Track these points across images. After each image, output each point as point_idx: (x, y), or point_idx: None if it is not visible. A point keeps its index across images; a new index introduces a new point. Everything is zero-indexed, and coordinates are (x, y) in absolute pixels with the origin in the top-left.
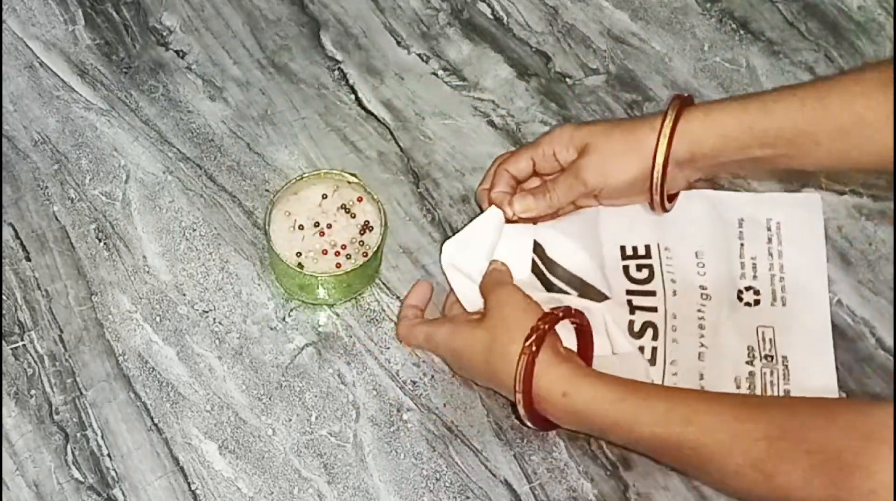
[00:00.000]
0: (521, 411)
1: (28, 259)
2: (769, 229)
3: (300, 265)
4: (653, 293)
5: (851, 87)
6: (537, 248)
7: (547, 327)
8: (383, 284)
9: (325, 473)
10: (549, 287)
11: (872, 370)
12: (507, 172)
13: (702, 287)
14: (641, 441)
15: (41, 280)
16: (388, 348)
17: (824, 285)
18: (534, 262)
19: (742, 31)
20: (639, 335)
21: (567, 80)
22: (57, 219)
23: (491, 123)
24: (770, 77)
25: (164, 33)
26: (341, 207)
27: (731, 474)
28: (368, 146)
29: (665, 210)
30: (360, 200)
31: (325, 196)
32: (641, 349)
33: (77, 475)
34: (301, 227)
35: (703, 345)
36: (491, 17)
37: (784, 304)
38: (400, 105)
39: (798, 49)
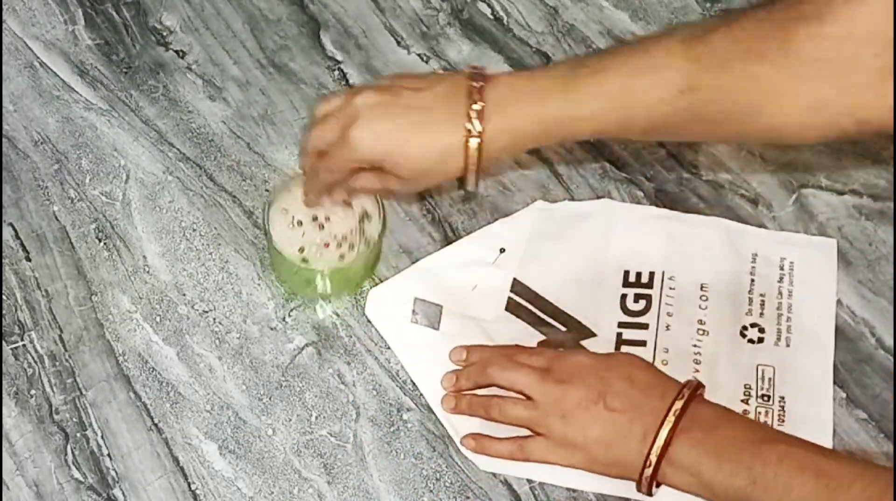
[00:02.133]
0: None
1: (28, 259)
2: (782, 268)
3: (304, 260)
4: (645, 327)
5: (650, 93)
6: (517, 285)
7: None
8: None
9: (325, 473)
10: (535, 322)
11: (872, 370)
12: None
13: (699, 322)
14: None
15: (41, 280)
16: (388, 348)
17: (831, 333)
18: (511, 300)
19: None
20: None
21: None
22: (57, 219)
23: None
24: None
25: (164, 33)
26: None
27: None
28: None
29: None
30: None
31: None
32: None
33: (77, 475)
34: (300, 223)
35: (696, 371)
36: (491, 17)
37: (788, 345)
38: None
39: None
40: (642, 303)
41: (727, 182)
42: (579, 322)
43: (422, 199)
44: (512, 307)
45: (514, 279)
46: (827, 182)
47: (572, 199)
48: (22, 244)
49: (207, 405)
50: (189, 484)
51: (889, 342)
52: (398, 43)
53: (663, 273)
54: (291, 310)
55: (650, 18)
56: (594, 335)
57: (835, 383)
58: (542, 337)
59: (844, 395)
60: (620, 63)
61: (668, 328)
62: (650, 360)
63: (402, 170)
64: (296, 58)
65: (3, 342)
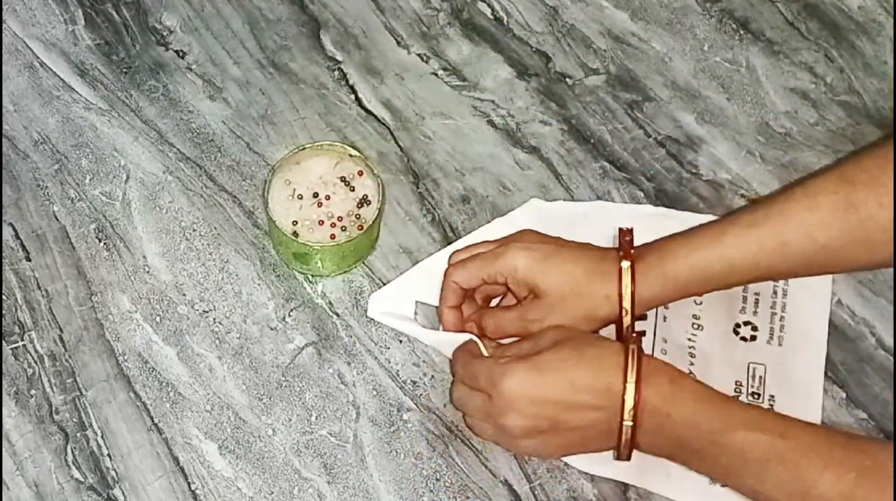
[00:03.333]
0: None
1: (28, 259)
2: None
3: (295, 234)
4: (644, 317)
5: (807, 218)
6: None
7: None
8: (383, 283)
9: (325, 473)
10: None
11: (872, 370)
12: (457, 285)
13: (694, 316)
14: (725, 449)
15: (41, 280)
16: (388, 348)
17: (824, 334)
18: None
19: (742, 31)
20: None
21: (567, 80)
22: (57, 219)
23: (491, 123)
24: (770, 77)
25: (164, 33)
26: (341, 179)
27: (812, 498)
28: (368, 146)
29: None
30: (360, 174)
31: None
32: None
33: (77, 475)
34: (300, 196)
35: (691, 373)
36: (491, 17)
37: (780, 344)
38: (400, 105)
39: (798, 49)
40: None
41: (727, 182)
42: None
43: (422, 199)
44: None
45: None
46: None
47: (572, 199)
48: (22, 244)
49: (207, 405)
50: (189, 484)
51: (889, 342)
52: (398, 43)
53: None
54: (291, 310)
55: (650, 18)
56: None
57: (835, 383)
58: None
59: (844, 395)
60: (776, 198)
61: (664, 319)
62: (650, 351)
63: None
64: (296, 58)
65: (3, 342)
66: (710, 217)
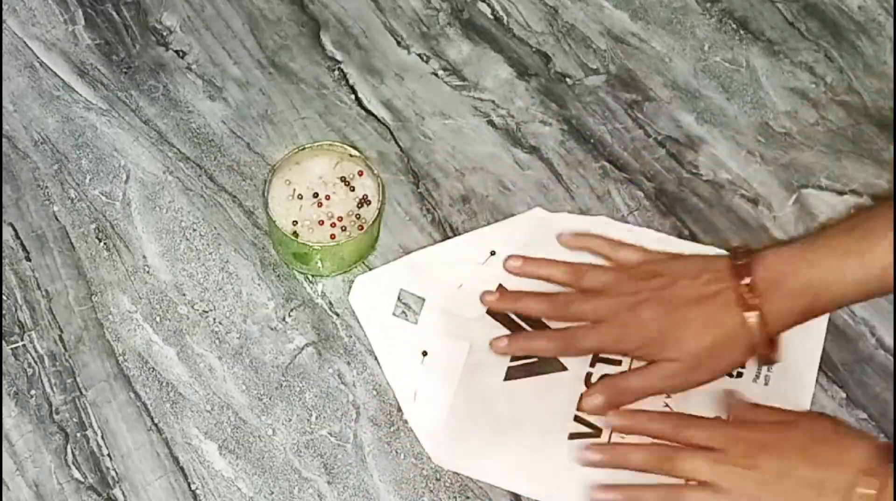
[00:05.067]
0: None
1: (28, 259)
2: None
3: (295, 234)
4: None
5: None
6: (500, 290)
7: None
8: None
9: (325, 473)
10: (514, 329)
11: (872, 370)
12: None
13: None
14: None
15: (41, 280)
16: None
17: (812, 376)
18: None
19: (742, 31)
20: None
21: (567, 80)
22: (57, 219)
23: (491, 123)
24: (770, 77)
25: (164, 33)
26: (341, 179)
27: None
28: (368, 146)
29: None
30: (360, 174)
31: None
32: None
33: (77, 475)
34: (300, 196)
35: (666, 405)
36: (491, 17)
37: (766, 383)
38: (400, 105)
39: (798, 49)
40: None
41: (727, 182)
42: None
43: (422, 199)
44: (494, 311)
45: (500, 285)
46: (827, 182)
47: (572, 199)
48: (22, 244)
49: (207, 406)
50: (189, 484)
51: (889, 342)
52: (398, 43)
53: None
54: (291, 310)
55: (650, 18)
56: None
57: (835, 383)
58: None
59: (844, 395)
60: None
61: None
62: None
63: (680, 356)
64: (296, 58)
65: (3, 342)
66: (709, 248)
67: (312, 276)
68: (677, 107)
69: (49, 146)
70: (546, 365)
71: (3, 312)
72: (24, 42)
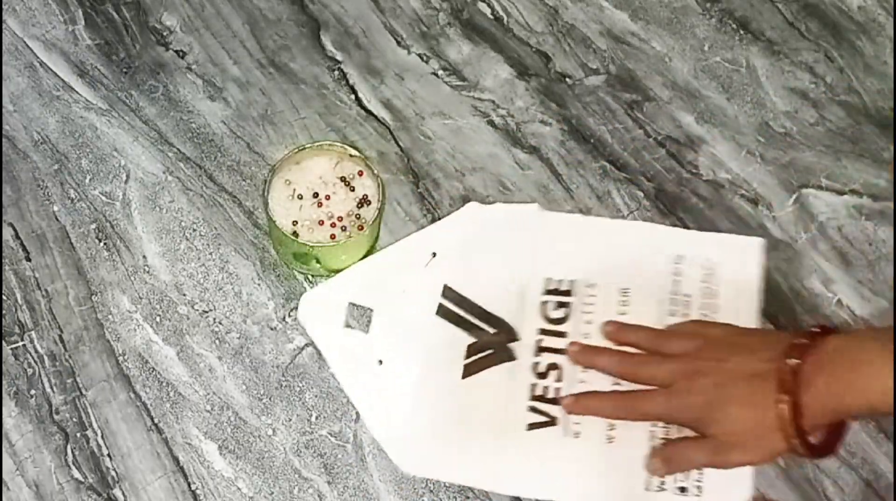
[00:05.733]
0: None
1: (28, 259)
2: (707, 269)
3: (295, 234)
4: (563, 335)
5: None
6: (447, 291)
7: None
8: None
9: (325, 473)
10: (465, 326)
11: None
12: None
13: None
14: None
15: (41, 280)
16: None
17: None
18: (441, 305)
19: (742, 31)
20: (542, 375)
21: (567, 80)
22: (57, 219)
23: (491, 123)
24: (770, 77)
25: (164, 33)
26: (341, 179)
27: None
28: (368, 146)
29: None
30: (360, 174)
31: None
32: (545, 389)
33: (77, 475)
34: (300, 196)
35: (617, 383)
36: (491, 17)
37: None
38: (400, 105)
39: (798, 49)
40: (562, 312)
41: (727, 182)
42: (508, 324)
43: (422, 199)
44: (443, 312)
45: (445, 286)
46: (827, 182)
47: (572, 199)
48: (22, 244)
49: (207, 405)
50: (189, 484)
51: None
52: (398, 43)
53: (583, 282)
54: (291, 310)
55: (650, 18)
56: (519, 339)
57: None
58: (473, 340)
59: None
60: None
61: (586, 336)
62: (567, 369)
63: (717, 432)
64: (296, 58)
65: (3, 342)
66: (638, 223)
67: (312, 276)
68: (677, 107)
69: (49, 146)
70: (499, 355)
71: (3, 312)
72: (24, 42)
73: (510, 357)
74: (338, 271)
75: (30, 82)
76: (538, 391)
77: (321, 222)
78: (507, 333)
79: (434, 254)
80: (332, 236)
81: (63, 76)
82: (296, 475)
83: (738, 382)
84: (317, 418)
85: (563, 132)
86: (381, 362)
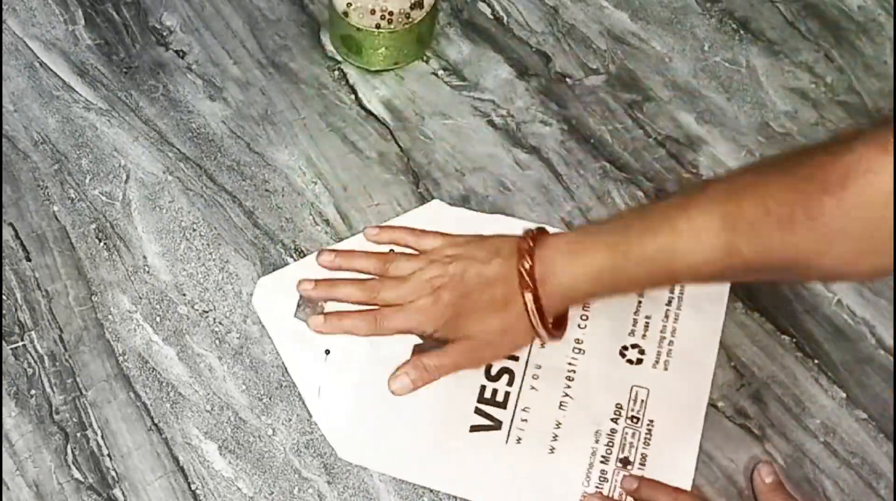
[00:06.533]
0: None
1: (28, 259)
2: (671, 292)
3: (346, 14)
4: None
5: (691, 258)
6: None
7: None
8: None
9: (325, 473)
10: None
11: (872, 370)
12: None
13: (577, 340)
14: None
15: (41, 280)
16: None
17: (712, 361)
18: None
19: (742, 31)
20: (494, 378)
21: (567, 80)
22: (57, 219)
23: (491, 123)
24: (770, 77)
25: (164, 33)
26: None
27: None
28: (368, 146)
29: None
30: None
31: None
32: (494, 392)
33: (77, 475)
34: None
35: (567, 395)
36: (491, 17)
37: (666, 368)
38: (400, 105)
39: (798, 49)
40: None
41: None
42: None
43: (422, 199)
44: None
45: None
46: None
47: (573, 199)
48: (22, 244)
49: (207, 405)
50: (189, 484)
51: (889, 342)
52: None
53: None
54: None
55: (650, 18)
56: None
57: (835, 383)
58: (419, 341)
59: (844, 395)
60: (664, 225)
61: (542, 346)
62: (520, 375)
63: (472, 334)
64: (296, 58)
65: (3, 342)
66: (528, 224)
67: (357, 67)
68: (677, 107)
69: (49, 146)
70: None
71: (3, 312)
72: (24, 42)
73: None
74: (377, 72)
75: (30, 82)
76: (487, 394)
77: (373, 11)
78: None
79: (392, 250)
80: (378, 26)
81: (63, 76)
82: (296, 475)
83: (481, 289)
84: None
85: (563, 132)
86: (327, 351)
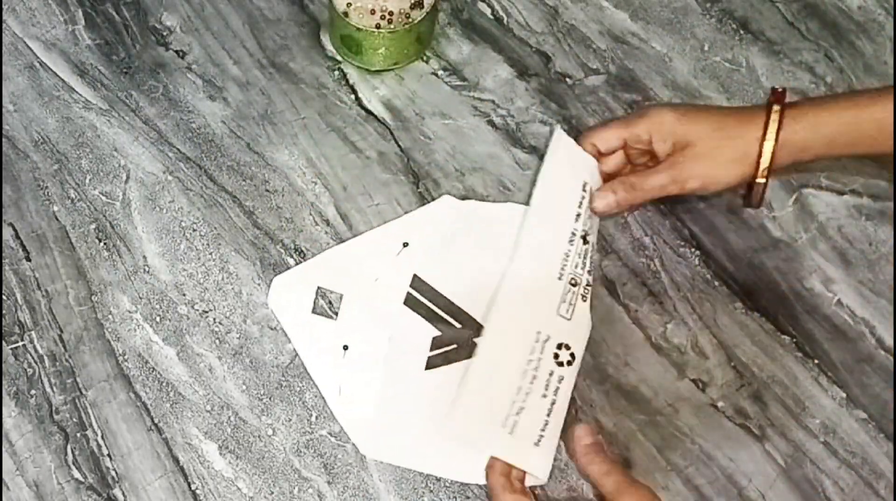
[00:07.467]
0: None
1: (28, 259)
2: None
3: (345, 14)
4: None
5: None
6: (416, 281)
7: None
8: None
9: (325, 473)
10: (431, 318)
11: (872, 370)
12: (594, 146)
13: None
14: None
15: (41, 280)
16: None
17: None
18: (409, 295)
19: (742, 31)
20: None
21: (567, 80)
22: (57, 219)
23: (491, 123)
24: (770, 77)
25: (164, 33)
26: None
27: None
28: (368, 146)
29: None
30: None
31: None
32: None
33: (77, 475)
34: None
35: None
36: (491, 17)
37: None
38: (400, 105)
39: (798, 49)
40: None
41: None
42: (474, 320)
43: (422, 199)
44: (410, 302)
45: (414, 275)
46: (827, 182)
47: None
48: (22, 244)
49: (207, 405)
50: (189, 484)
51: (889, 342)
52: None
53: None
54: None
55: (650, 18)
56: (482, 325)
57: (835, 383)
58: (438, 333)
59: (844, 395)
60: (882, 96)
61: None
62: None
63: (697, 143)
64: (296, 58)
65: (3, 342)
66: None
67: (357, 67)
68: None
69: (49, 146)
70: (463, 350)
71: (3, 312)
72: (24, 42)
73: (472, 355)
74: (377, 72)
75: (30, 82)
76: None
77: (373, 11)
78: (472, 328)
79: (406, 244)
80: (378, 26)
81: (63, 76)
82: (296, 475)
83: (723, 112)
84: (317, 418)
85: (563, 132)
86: (346, 347)
